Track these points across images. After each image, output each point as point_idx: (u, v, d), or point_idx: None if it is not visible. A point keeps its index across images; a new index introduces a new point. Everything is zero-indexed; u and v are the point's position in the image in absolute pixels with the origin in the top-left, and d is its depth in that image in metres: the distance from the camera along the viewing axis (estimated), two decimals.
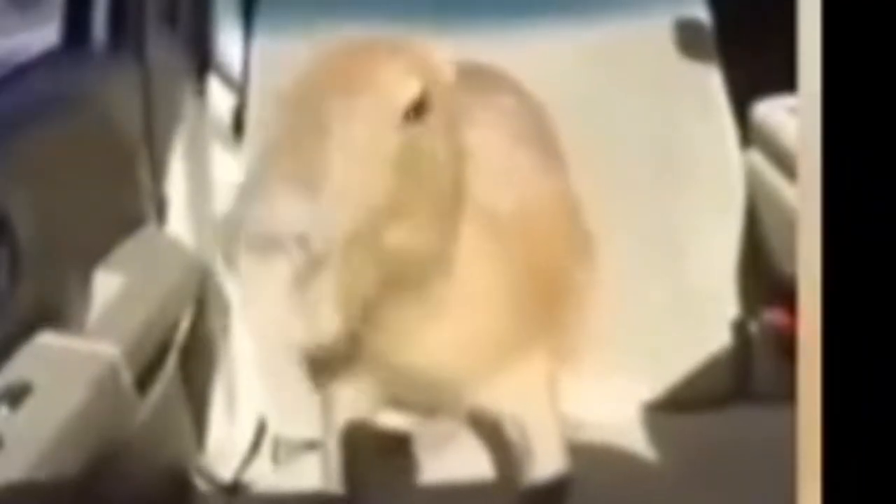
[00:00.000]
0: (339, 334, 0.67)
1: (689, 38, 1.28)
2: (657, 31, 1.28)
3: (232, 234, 0.63)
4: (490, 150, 0.84)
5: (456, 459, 1.08)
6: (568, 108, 1.19)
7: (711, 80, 1.28)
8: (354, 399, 0.95)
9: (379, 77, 0.68)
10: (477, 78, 0.89)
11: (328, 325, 0.66)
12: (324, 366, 0.91)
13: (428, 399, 0.92)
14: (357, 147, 0.64)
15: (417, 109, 0.68)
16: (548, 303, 0.90)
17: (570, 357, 0.97)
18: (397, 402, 1.01)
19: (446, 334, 0.79)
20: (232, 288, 1.34)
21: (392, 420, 1.09)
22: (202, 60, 1.34)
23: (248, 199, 0.63)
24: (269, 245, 0.61)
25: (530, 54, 1.25)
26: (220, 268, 1.32)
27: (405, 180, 0.67)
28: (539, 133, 1.03)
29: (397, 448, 1.11)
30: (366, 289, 0.68)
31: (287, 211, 0.61)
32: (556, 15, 1.29)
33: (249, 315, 1.02)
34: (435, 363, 0.82)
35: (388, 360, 0.81)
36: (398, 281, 0.72)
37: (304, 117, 0.66)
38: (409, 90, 0.68)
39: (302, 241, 0.61)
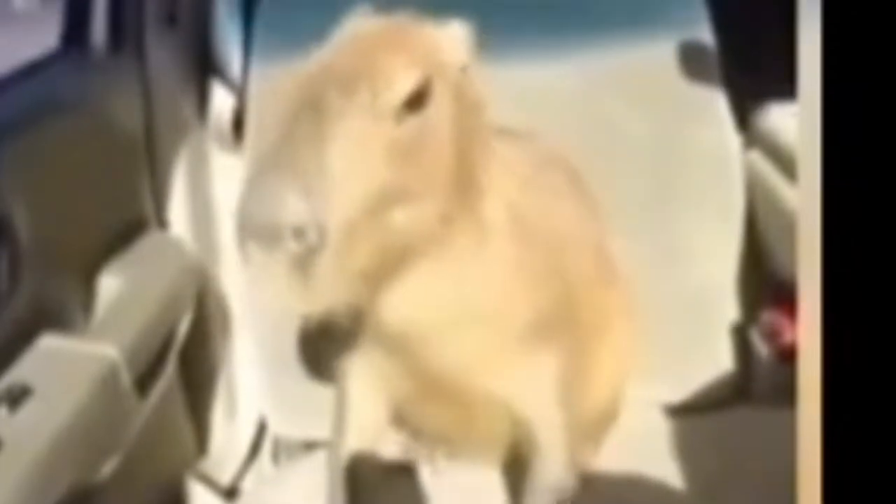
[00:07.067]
0: (341, 306, 0.70)
1: (693, 60, 1.29)
2: (662, 54, 1.29)
3: (239, 224, 0.66)
4: (518, 161, 0.86)
5: (461, 478, 1.09)
6: (571, 121, 1.20)
7: (715, 97, 1.29)
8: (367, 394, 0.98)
9: (376, 72, 0.69)
10: (510, 133, 0.90)
11: (328, 299, 0.69)
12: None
13: (443, 387, 0.91)
14: (351, 142, 0.66)
15: (416, 101, 0.70)
16: (567, 312, 0.90)
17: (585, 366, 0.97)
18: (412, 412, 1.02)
19: (461, 301, 0.81)
20: (231, 288, 1.35)
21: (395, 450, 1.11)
22: (202, 61, 1.34)
23: (250, 191, 0.65)
24: (268, 235, 0.64)
25: (535, 76, 1.26)
26: (220, 268, 1.33)
27: (405, 168, 0.69)
28: (570, 177, 1.03)
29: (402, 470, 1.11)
30: (369, 265, 0.70)
31: (284, 204, 0.64)
32: (560, 37, 1.30)
33: (255, 296, 1.12)
34: (445, 333, 0.83)
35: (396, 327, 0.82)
36: (416, 251, 0.74)
37: (303, 111, 0.68)
38: (406, 84, 0.69)
39: (298, 232, 0.64)
